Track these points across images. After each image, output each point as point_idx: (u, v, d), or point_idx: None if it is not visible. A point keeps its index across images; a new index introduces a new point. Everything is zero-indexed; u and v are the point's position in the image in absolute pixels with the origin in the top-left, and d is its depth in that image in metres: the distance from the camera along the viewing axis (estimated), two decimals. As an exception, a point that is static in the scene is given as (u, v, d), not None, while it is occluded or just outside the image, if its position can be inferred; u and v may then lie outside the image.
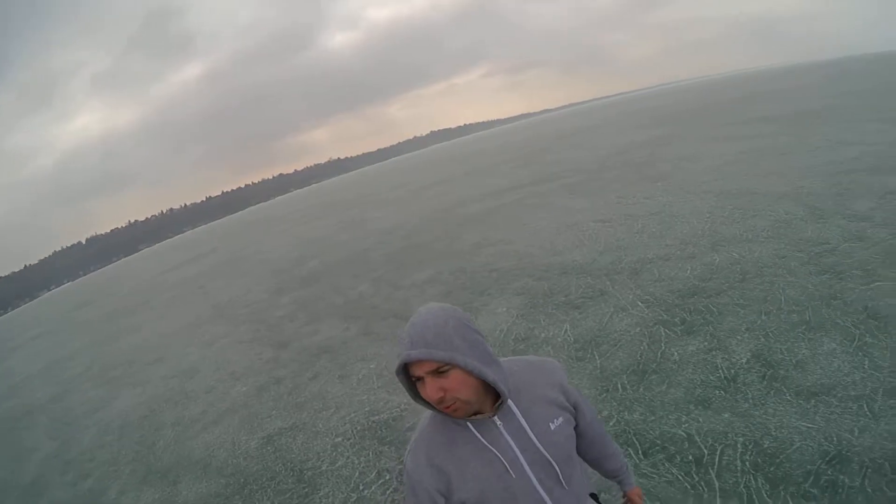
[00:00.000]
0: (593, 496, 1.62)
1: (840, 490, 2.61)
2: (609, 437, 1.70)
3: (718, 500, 2.77)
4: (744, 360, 3.98)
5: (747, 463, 2.95)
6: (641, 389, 4.02)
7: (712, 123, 19.88)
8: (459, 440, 1.34)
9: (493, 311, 6.48)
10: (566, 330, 5.43)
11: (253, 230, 34.24)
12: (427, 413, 1.42)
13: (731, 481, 2.86)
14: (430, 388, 1.23)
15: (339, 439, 4.77)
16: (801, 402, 3.33)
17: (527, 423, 1.38)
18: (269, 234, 27.02)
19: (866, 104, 15.64)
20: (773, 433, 3.12)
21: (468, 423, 1.34)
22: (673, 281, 5.85)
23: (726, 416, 3.40)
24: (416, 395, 1.33)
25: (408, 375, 1.29)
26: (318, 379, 6.26)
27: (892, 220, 5.85)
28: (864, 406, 3.13)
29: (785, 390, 3.49)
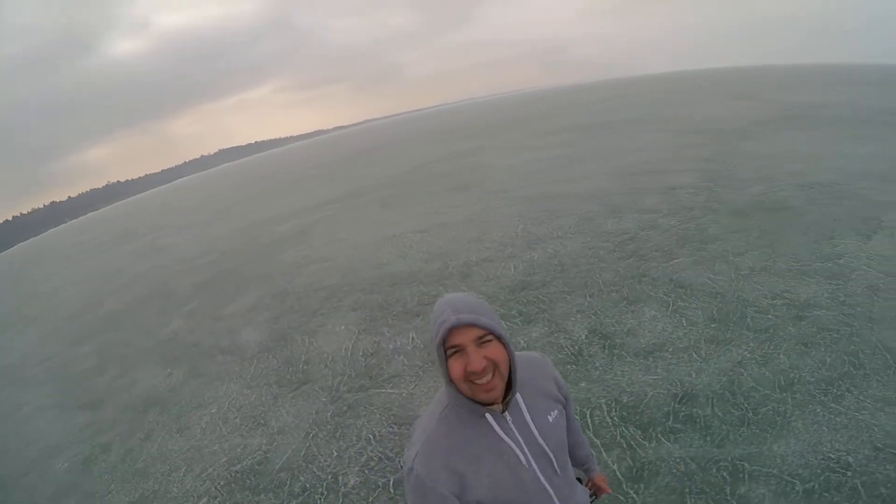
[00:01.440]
0: (578, 480, 1.72)
1: (697, 420, 3.23)
2: (579, 428, 1.80)
3: (604, 453, 3.20)
4: (583, 337, 4.57)
5: (615, 418, 3.45)
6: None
7: (511, 135, 22.02)
8: (474, 437, 1.34)
9: (331, 331, 6.30)
10: (413, 338, 5.56)
11: (32, 269, 28.71)
12: (429, 414, 1.42)
13: (608, 436, 3.33)
14: (475, 357, 1.23)
15: (204, 501, 4.09)
16: (641, 360, 3.99)
17: (530, 416, 1.43)
18: (53, 272, 22.96)
19: (648, 116, 18.54)
20: (628, 390, 3.69)
21: (487, 414, 1.35)
22: (501, 279, 6.34)
23: (584, 384, 3.89)
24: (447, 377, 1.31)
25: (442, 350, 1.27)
26: (153, 437, 5.31)
27: (675, 211, 7.13)
28: (694, 354, 3.90)
29: (625, 354, 4.13)
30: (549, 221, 7.97)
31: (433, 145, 26.38)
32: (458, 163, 17.05)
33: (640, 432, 3.27)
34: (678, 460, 3.00)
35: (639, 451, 3.13)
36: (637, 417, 3.39)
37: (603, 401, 3.64)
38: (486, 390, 1.26)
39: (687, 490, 2.82)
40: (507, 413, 1.37)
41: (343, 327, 6.33)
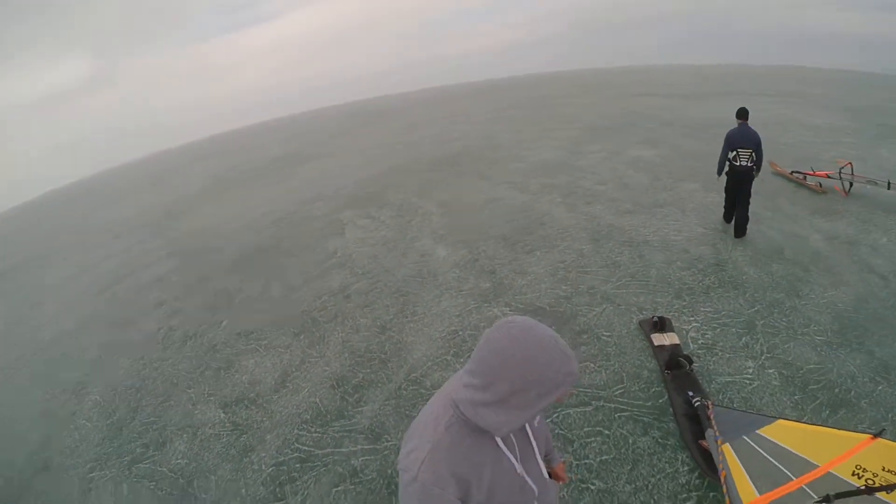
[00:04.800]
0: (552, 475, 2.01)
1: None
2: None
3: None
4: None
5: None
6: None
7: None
8: (477, 446, 1.45)
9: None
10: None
11: None
12: (433, 422, 1.47)
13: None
14: (564, 393, 1.38)
15: None
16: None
17: (528, 424, 1.64)
18: None
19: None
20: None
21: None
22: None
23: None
24: None
25: None
26: None
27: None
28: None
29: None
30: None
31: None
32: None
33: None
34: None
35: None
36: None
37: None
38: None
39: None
40: None
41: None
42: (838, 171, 8.97)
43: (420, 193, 12.69)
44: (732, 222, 7.67)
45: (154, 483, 4.86)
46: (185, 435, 5.38)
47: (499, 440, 1.50)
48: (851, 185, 8.89)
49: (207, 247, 12.30)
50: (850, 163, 8.94)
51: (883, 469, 2.86)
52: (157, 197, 24.01)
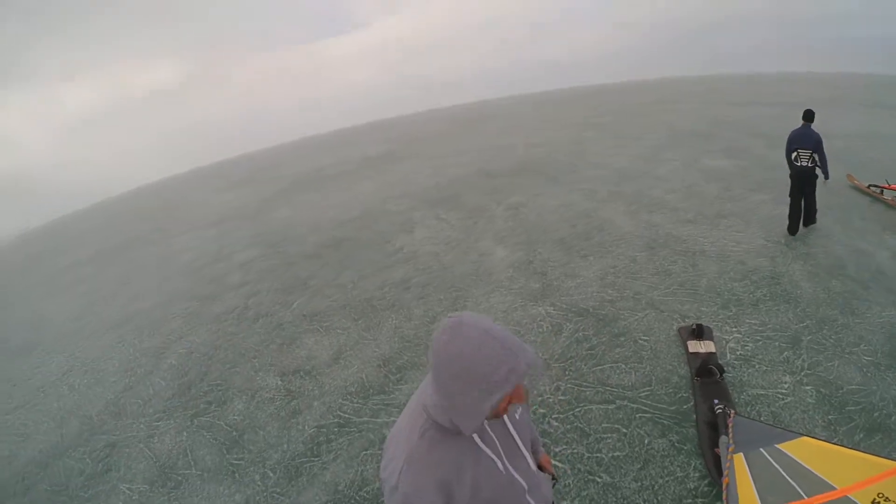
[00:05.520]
0: (539, 468, 1.97)
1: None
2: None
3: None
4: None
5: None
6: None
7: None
8: (455, 448, 1.47)
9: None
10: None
11: None
12: (408, 431, 1.50)
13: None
14: (521, 393, 1.41)
15: None
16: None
17: (508, 420, 1.64)
18: None
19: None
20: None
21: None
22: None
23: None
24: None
25: None
26: None
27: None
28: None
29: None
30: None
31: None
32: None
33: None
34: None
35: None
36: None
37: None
38: (503, 410, 1.43)
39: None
40: (486, 424, 1.55)
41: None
42: None
43: (493, 196, 13.00)
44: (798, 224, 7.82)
45: (210, 433, 5.58)
46: (244, 396, 6.08)
47: (477, 439, 1.51)
48: (936, 202, 8.46)
49: (293, 235, 13.26)
50: (935, 177, 8.51)
51: None
52: (259, 189, 25.49)
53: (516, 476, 1.61)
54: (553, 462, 3.49)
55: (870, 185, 9.40)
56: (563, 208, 10.91)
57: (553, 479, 2.11)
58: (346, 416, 5.30)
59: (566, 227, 9.66)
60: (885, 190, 9.06)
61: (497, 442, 1.58)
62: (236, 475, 4.85)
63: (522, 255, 8.63)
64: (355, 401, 5.51)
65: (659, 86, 31.89)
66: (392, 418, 5.06)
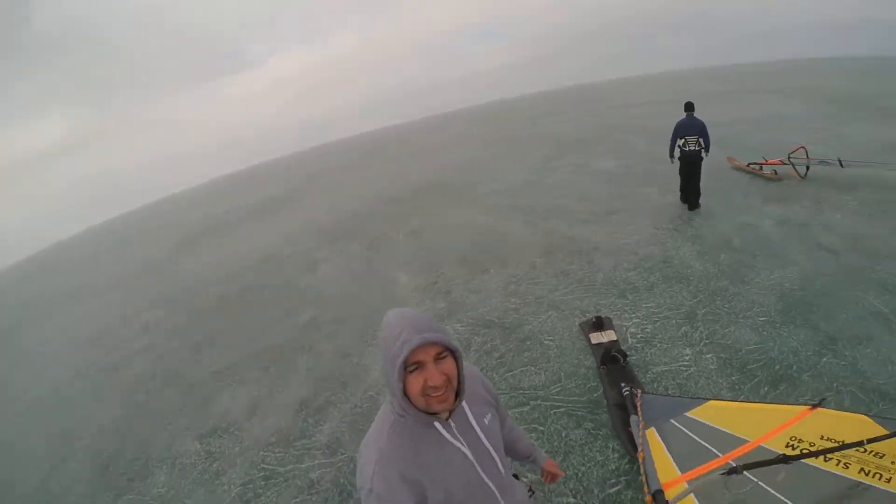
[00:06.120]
0: (514, 476, 1.94)
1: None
2: (514, 424, 2.12)
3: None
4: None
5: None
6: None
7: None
8: (423, 446, 1.50)
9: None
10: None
11: None
12: (376, 433, 1.54)
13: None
14: (434, 374, 1.41)
15: None
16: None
17: (474, 419, 1.65)
18: None
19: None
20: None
21: (436, 423, 1.53)
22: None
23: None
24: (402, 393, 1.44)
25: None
26: None
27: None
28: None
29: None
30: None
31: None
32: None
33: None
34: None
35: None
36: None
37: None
38: (440, 401, 1.45)
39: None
40: (451, 420, 1.57)
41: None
42: (788, 156, 9.15)
43: (393, 223, 12.96)
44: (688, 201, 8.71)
45: None
46: (164, 466, 5.69)
47: (442, 429, 1.55)
48: (808, 168, 9.06)
49: (196, 288, 12.65)
50: (803, 147, 9.13)
51: (821, 438, 2.81)
52: (159, 243, 24.25)
53: (486, 479, 1.63)
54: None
55: (749, 164, 10.03)
56: (463, 227, 11.02)
57: (530, 490, 2.11)
58: (271, 467, 5.08)
59: (466, 244, 9.73)
60: (763, 165, 9.67)
61: (461, 437, 1.59)
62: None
63: (426, 277, 8.61)
64: (277, 451, 5.30)
65: (542, 99, 33.14)
66: (317, 461, 4.92)
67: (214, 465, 5.42)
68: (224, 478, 5.17)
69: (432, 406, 1.44)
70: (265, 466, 5.11)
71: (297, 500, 4.51)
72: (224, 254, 15.63)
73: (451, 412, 1.54)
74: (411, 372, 1.41)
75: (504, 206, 11.76)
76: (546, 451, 4.14)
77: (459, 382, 1.51)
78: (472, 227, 10.85)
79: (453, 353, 1.47)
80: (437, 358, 1.42)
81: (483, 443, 1.65)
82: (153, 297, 13.36)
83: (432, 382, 1.40)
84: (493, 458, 1.67)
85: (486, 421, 1.71)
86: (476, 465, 1.61)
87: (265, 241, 15.49)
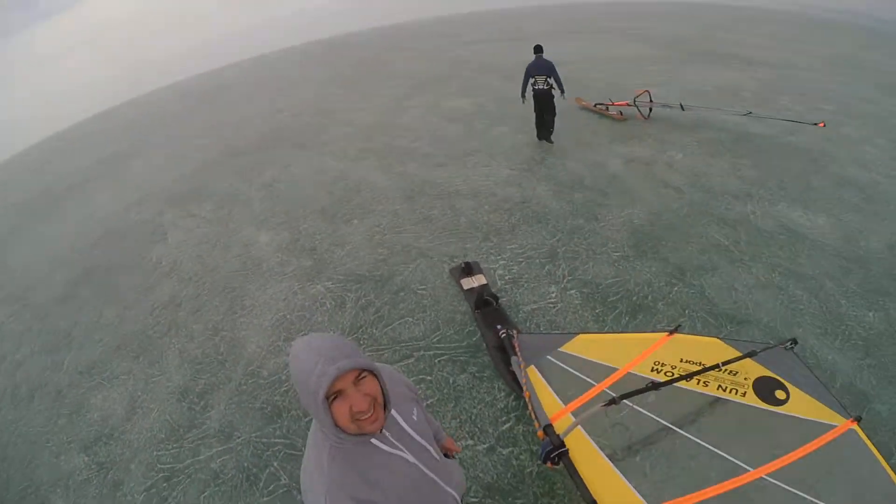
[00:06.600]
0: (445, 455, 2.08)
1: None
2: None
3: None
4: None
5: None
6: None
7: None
8: (365, 464, 1.51)
9: None
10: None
11: None
12: (315, 462, 1.50)
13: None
14: (357, 399, 1.41)
15: None
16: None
17: (405, 423, 1.69)
18: None
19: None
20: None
21: (372, 440, 1.54)
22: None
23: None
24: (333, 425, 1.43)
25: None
26: None
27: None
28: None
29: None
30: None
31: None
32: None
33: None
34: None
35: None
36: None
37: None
38: (371, 422, 1.45)
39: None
40: (385, 430, 1.58)
41: None
42: (634, 99, 9.74)
43: (241, 178, 12.06)
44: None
45: None
46: (58, 490, 5.13)
47: (379, 443, 1.55)
48: (650, 110, 9.71)
49: (37, 278, 10.84)
50: (647, 90, 9.74)
51: (681, 360, 3.21)
52: None
53: (429, 473, 1.69)
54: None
55: (596, 104, 10.57)
56: (318, 175, 10.64)
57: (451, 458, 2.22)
58: (168, 465, 4.77)
59: (324, 195, 9.43)
60: (609, 106, 10.22)
61: (398, 443, 1.62)
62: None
63: (287, 235, 8.27)
64: (170, 447, 4.96)
65: (379, 36, 32.22)
66: (214, 450, 4.70)
67: (109, 477, 5.00)
68: (124, 488, 4.80)
69: (364, 429, 1.45)
70: (162, 466, 4.81)
71: (206, 494, 4.32)
72: (59, 231, 13.84)
73: (383, 423, 1.55)
74: (334, 400, 1.40)
75: (357, 152, 11.47)
76: (437, 400, 4.31)
77: (384, 397, 1.52)
78: (328, 175, 10.50)
79: (372, 372, 1.47)
80: (357, 380, 1.42)
81: (417, 441, 1.71)
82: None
83: (358, 408, 1.40)
84: (428, 450, 1.74)
85: (413, 417, 1.76)
86: (419, 464, 1.66)
87: (103, 212, 13.65)
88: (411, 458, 1.63)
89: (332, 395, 1.39)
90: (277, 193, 10.31)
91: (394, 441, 1.61)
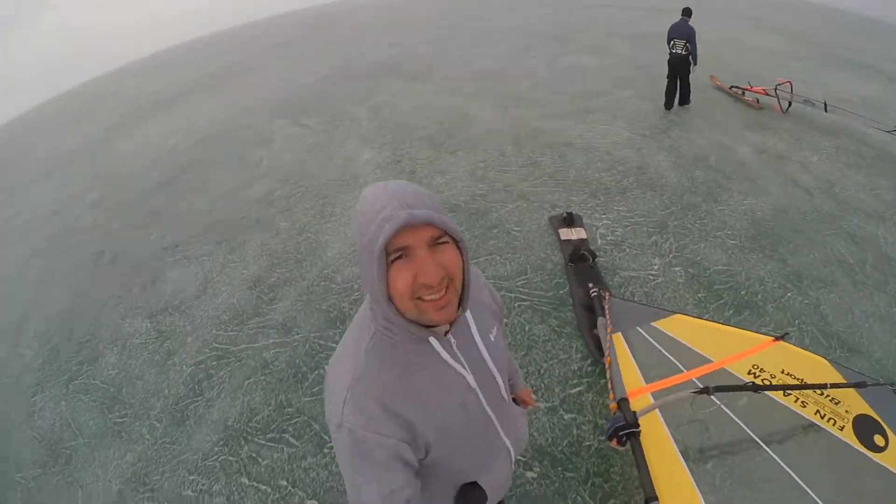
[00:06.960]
0: (514, 400, 1.65)
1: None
2: None
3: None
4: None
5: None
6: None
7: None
8: (413, 367, 1.14)
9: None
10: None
11: None
12: (352, 349, 1.16)
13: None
14: (428, 266, 0.99)
15: None
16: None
17: (479, 336, 1.29)
18: None
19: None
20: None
21: (431, 339, 1.16)
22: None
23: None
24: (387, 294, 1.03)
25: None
26: None
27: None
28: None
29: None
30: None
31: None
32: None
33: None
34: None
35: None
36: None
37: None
38: (438, 307, 1.04)
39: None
40: (451, 335, 1.19)
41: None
42: (775, 88, 9.01)
43: (353, 100, 12.27)
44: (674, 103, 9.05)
45: (89, 396, 4.95)
46: (115, 348, 5.44)
47: (438, 346, 1.18)
48: (790, 104, 8.97)
49: (141, 167, 11.53)
50: (790, 81, 8.98)
51: (782, 372, 2.84)
52: (91, 126, 22.06)
53: (488, 409, 1.32)
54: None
55: (732, 87, 9.85)
56: (429, 106, 10.56)
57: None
58: (223, 346, 4.92)
59: (433, 124, 9.34)
60: (746, 91, 9.51)
61: (463, 359, 1.23)
62: (123, 434, 4.36)
63: (389, 154, 8.26)
64: (230, 329, 5.12)
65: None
66: (271, 340, 4.79)
67: (165, 345, 5.22)
68: (175, 358, 5.00)
69: (427, 315, 1.04)
70: (217, 346, 4.96)
71: (251, 380, 4.40)
72: (168, 131, 14.31)
73: (451, 324, 1.14)
74: (395, 261, 1.00)
75: (473, 91, 11.26)
76: (509, 343, 4.09)
77: (464, 283, 1.10)
78: (439, 107, 10.38)
79: (456, 241, 1.06)
80: (435, 244, 1.01)
81: (488, 366, 1.31)
82: (93, 181, 11.99)
83: (425, 278, 0.99)
84: (497, 383, 1.35)
85: (491, 337, 1.34)
86: (480, 394, 1.28)
87: (213, 116, 14.38)
88: (473, 383, 1.25)
89: (396, 254, 0.99)
90: (386, 117, 10.40)
91: (458, 354, 1.22)
